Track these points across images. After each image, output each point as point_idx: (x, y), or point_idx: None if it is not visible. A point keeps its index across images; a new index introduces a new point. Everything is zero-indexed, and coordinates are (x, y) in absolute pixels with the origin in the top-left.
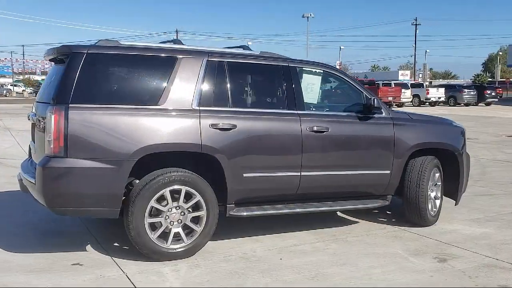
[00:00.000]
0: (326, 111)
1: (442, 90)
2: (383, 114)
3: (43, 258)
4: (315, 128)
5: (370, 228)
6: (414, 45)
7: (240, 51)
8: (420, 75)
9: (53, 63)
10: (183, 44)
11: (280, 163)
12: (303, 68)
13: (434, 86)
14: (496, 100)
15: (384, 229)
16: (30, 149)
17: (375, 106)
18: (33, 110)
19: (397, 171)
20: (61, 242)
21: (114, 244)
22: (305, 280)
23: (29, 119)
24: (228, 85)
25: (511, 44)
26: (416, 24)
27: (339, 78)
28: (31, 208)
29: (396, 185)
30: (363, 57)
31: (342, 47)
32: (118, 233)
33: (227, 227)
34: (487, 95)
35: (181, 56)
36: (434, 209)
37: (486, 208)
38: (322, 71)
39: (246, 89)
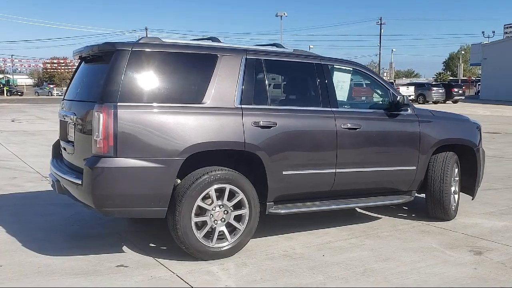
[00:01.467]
0: (357, 108)
1: (412, 88)
2: (409, 111)
3: (83, 261)
4: (348, 125)
5: (395, 224)
6: (379, 44)
7: (275, 49)
8: (385, 74)
9: (82, 61)
10: (221, 42)
11: (316, 161)
12: (334, 66)
13: (404, 85)
14: (463, 97)
15: (408, 224)
16: (54, 148)
17: (402, 103)
18: (64, 108)
19: (422, 167)
20: (93, 244)
21: (150, 244)
22: (357, 276)
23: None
24: (266, 83)
25: (474, 43)
26: (380, 24)
27: (367, 76)
28: (45, 211)
29: (420, 181)
30: (332, 56)
31: (311, 46)
32: (149, 233)
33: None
34: (454, 93)
35: (221, 54)
36: (454, 204)
37: (495, 202)
38: (351, 69)
39: (283, 86)
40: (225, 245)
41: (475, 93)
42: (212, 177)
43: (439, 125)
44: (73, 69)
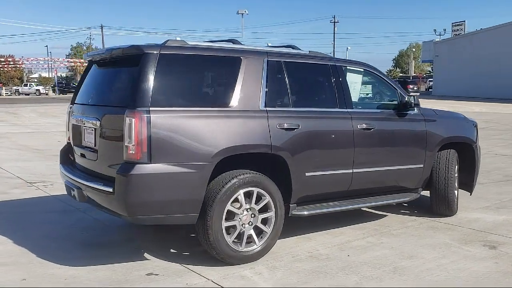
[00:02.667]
0: (368, 108)
1: (370, 85)
2: (415, 110)
3: (110, 270)
4: (364, 126)
5: (403, 221)
6: (333, 42)
7: (292, 50)
8: None
9: (93, 64)
10: (241, 44)
11: (336, 161)
12: (347, 67)
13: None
14: (418, 94)
15: (415, 221)
16: (63, 154)
17: (410, 103)
18: (76, 113)
19: (429, 165)
20: (111, 252)
21: (171, 250)
22: (389, 275)
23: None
24: (288, 85)
25: (425, 41)
26: (334, 22)
27: (377, 76)
28: (44, 219)
29: (427, 178)
30: None
31: (269, 44)
32: (164, 239)
33: None
34: (410, 90)
35: (244, 57)
36: (456, 200)
37: (487, 197)
38: (362, 70)
39: (303, 88)
40: (253, 248)
41: (426, 89)
42: (241, 180)
43: (443, 124)
44: (22, 68)
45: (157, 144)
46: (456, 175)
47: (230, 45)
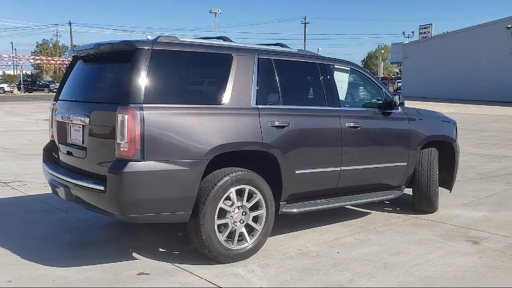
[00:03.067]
0: (355, 107)
1: (356, 84)
2: (399, 109)
3: (99, 270)
4: (351, 124)
5: (386, 218)
6: (303, 43)
7: (281, 48)
8: None
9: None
10: (232, 41)
11: (325, 159)
12: (334, 66)
13: None
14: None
15: (399, 218)
16: (46, 152)
17: (395, 102)
18: (60, 109)
19: (412, 163)
20: (98, 252)
21: (159, 249)
22: (380, 271)
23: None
24: (278, 83)
25: (394, 43)
26: (305, 23)
27: (362, 76)
28: (24, 219)
29: (410, 176)
30: None
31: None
32: (149, 237)
33: None
34: None
35: (236, 54)
36: (437, 197)
37: (463, 194)
38: (349, 69)
39: (292, 86)
40: (244, 246)
41: (395, 90)
42: (233, 178)
43: (425, 123)
44: None
45: (150, 141)
46: (437, 172)
47: (221, 42)
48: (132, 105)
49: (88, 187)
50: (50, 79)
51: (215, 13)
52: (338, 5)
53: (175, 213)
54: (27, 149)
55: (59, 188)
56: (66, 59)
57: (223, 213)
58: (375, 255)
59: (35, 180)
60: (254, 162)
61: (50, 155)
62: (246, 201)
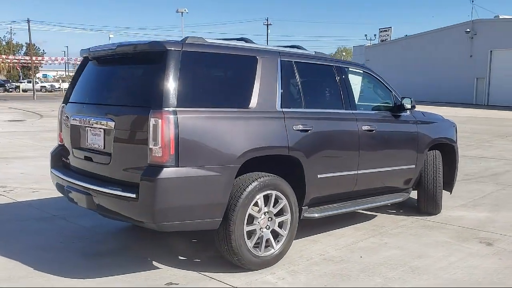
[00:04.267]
0: (368, 110)
1: (368, 87)
2: (407, 112)
3: (123, 282)
4: (367, 128)
5: (394, 220)
6: (266, 44)
7: (300, 50)
8: None
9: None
10: (254, 43)
11: (344, 163)
12: (349, 68)
13: None
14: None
15: (406, 220)
16: (55, 157)
17: (404, 105)
18: (77, 112)
19: (419, 166)
20: (116, 262)
21: (179, 257)
22: (410, 275)
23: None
24: (299, 86)
25: (355, 45)
26: (267, 24)
27: (375, 78)
28: (25, 227)
29: (417, 178)
30: None
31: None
32: (163, 245)
33: None
34: None
35: (260, 56)
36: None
37: (460, 195)
38: (362, 71)
39: (312, 89)
40: (271, 253)
41: None
42: (261, 183)
43: (431, 126)
44: None
45: (184, 146)
46: None
47: (244, 44)
48: (165, 108)
49: (117, 195)
50: (4, 78)
51: (182, 12)
52: (301, 7)
53: (206, 220)
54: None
55: (78, 195)
56: (22, 58)
57: (250, 219)
58: (398, 259)
59: (20, 186)
60: (277, 167)
61: (59, 160)
62: (273, 207)
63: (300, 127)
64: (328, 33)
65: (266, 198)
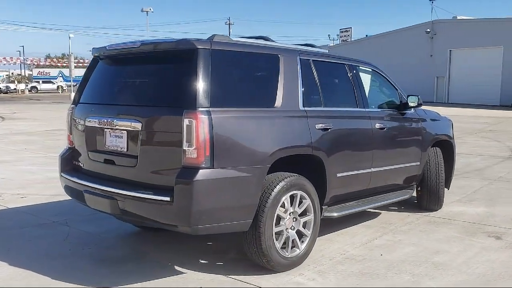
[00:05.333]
0: (378, 108)
1: (375, 85)
2: (412, 110)
3: None
4: (379, 126)
5: (399, 217)
6: None
7: (314, 49)
8: None
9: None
10: (273, 41)
11: (360, 161)
12: (359, 66)
13: None
14: None
15: (411, 217)
16: (65, 161)
17: (408, 103)
18: (93, 113)
19: (423, 162)
20: (142, 268)
21: (200, 261)
22: (436, 271)
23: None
24: (318, 84)
25: (319, 46)
26: (229, 24)
27: (382, 76)
28: (26, 234)
29: (420, 175)
30: None
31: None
32: (182, 249)
33: None
34: None
35: (282, 54)
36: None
37: (452, 191)
38: (370, 69)
39: (329, 87)
40: (297, 253)
41: None
42: (288, 183)
43: (433, 123)
44: None
45: (218, 147)
46: None
47: (266, 42)
48: (199, 109)
49: (149, 199)
50: None
51: (147, 11)
52: (264, 7)
53: (237, 222)
54: None
55: (100, 200)
56: None
57: (278, 220)
58: (418, 256)
59: (5, 192)
60: (298, 166)
61: (71, 164)
62: (298, 207)
63: (321, 126)
64: (292, 33)
65: (291, 198)
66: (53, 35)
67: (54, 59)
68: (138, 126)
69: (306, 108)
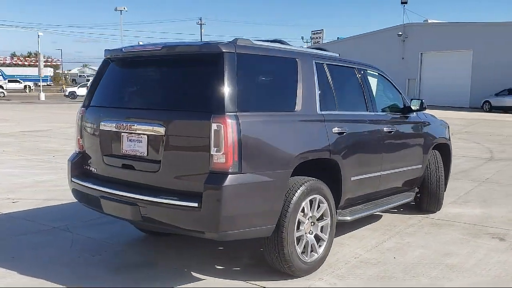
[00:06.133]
0: (385, 112)
1: (380, 89)
2: (414, 114)
3: None
4: (388, 129)
5: (401, 220)
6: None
7: (327, 53)
8: None
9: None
10: (289, 44)
11: (372, 164)
12: (367, 71)
13: None
14: None
15: (413, 219)
16: (76, 165)
17: (411, 107)
18: (107, 117)
19: (424, 165)
20: (157, 276)
21: (216, 266)
22: (451, 273)
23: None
24: (332, 88)
25: None
26: (201, 24)
27: (386, 80)
28: (27, 242)
29: (422, 178)
30: None
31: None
32: (194, 255)
33: None
34: None
35: (299, 58)
36: None
37: (445, 193)
38: (377, 73)
39: (341, 92)
40: (315, 258)
41: None
42: (308, 188)
43: (433, 126)
44: None
45: (246, 151)
46: None
47: (283, 46)
48: (228, 113)
49: (175, 205)
50: None
51: (121, 10)
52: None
53: (262, 228)
54: None
55: (119, 206)
56: None
57: (298, 224)
58: (429, 258)
59: None
60: (314, 170)
61: (80, 168)
62: (316, 211)
63: (337, 130)
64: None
65: (310, 203)
66: (19, 33)
67: (21, 58)
68: (161, 130)
69: (323, 112)
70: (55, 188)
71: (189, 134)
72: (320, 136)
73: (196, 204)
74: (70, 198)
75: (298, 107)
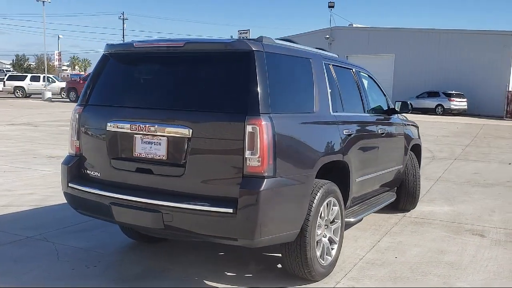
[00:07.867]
0: (376, 113)
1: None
2: (396, 116)
3: None
4: (382, 131)
5: (384, 219)
6: (122, 38)
7: (328, 53)
8: None
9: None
10: (298, 43)
11: (371, 165)
12: (361, 72)
13: None
14: None
15: (393, 218)
16: (73, 169)
17: (397, 109)
18: (119, 118)
19: (404, 165)
20: (165, 285)
21: (226, 273)
22: (455, 271)
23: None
24: (339, 90)
25: None
26: (123, 18)
27: (373, 81)
28: (10, 256)
29: (402, 178)
30: (81, 47)
31: (60, 36)
32: (199, 261)
33: None
34: None
35: (312, 58)
36: None
37: (425, 190)
38: (367, 75)
39: (345, 93)
40: (329, 261)
41: None
42: (326, 191)
43: (410, 127)
44: None
45: (280, 154)
46: None
47: (297, 45)
48: (263, 114)
49: (207, 211)
50: None
51: (43, 1)
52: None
53: (289, 233)
54: None
55: (138, 213)
56: None
57: (317, 228)
58: (428, 257)
59: None
60: (326, 172)
61: (78, 172)
62: (330, 214)
63: (347, 131)
64: (194, 32)
65: (326, 206)
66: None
67: None
68: (186, 132)
69: (335, 113)
70: (8, 192)
71: (219, 136)
72: (335, 137)
73: (231, 210)
74: (28, 204)
75: (316, 108)
